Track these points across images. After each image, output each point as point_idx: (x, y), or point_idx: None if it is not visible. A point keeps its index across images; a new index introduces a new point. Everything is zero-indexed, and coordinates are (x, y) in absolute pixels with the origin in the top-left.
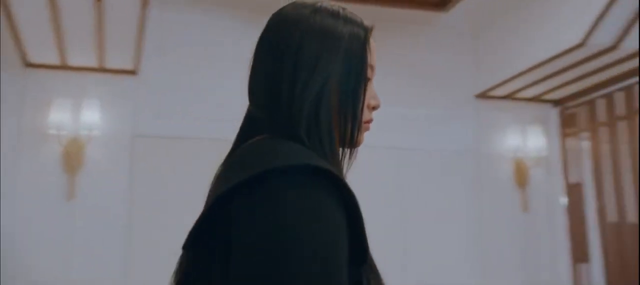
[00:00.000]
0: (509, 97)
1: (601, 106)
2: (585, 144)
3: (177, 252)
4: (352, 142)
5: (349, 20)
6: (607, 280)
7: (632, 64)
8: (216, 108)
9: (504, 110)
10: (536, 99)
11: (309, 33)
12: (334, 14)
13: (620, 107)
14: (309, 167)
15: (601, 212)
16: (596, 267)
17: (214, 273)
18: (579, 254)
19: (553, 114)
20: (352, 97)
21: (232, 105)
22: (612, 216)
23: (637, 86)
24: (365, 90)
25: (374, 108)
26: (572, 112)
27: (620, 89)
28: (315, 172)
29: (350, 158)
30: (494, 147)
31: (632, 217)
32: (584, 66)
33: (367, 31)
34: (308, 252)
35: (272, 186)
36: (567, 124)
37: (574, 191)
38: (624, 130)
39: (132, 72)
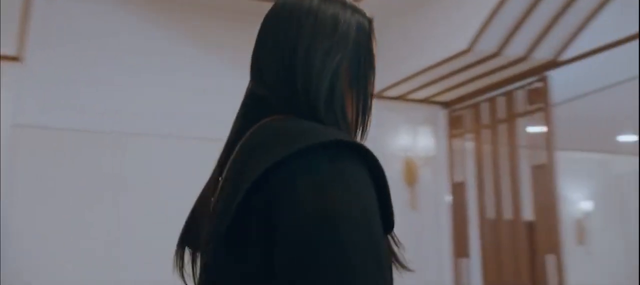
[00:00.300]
0: (401, 98)
1: (485, 109)
2: (469, 145)
3: (58, 248)
4: (363, 127)
5: (355, 10)
6: (484, 274)
7: (513, 70)
8: (104, 100)
9: (396, 110)
10: (427, 101)
11: (320, 22)
12: (342, 4)
13: (502, 111)
14: (341, 142)
15: (481, 209)
16: (475, 262)
17: (253, 254)
18: (461, 250)
19: (441, 115)
20: (363, 84)
21: (121, 97)
22: (490, 213)
23: (518, 92)
24: (373, 78)
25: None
26: (458, 114)
27: (502, 94)
28: (347, 146)
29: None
30: (387, 146)
31: (508, 214)
32: (470, 71)
33: (371, 22)
34: (352, 221)
35: (311, 162)
36: (454, 125)
37: (458, 189)
38: (504, 133)
39: (15, 59)
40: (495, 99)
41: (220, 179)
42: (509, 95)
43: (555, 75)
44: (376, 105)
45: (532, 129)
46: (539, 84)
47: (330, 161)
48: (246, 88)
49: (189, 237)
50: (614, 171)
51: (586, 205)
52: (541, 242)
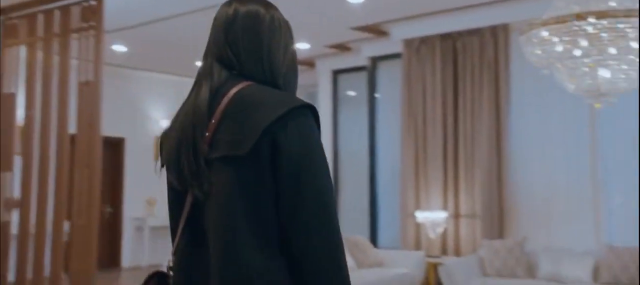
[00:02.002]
0: None
1: (41, 21)
2: (24, 55)
3: None
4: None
5: (280, 11)
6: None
7: None
8: None
9: None
10: None
11: (273, 25)
12: (275, 8)
13: (57, 25)
14: (310, 105)
15: (29, 120)
16: (17, 175)
17: (266, 175)
18: (5, 164)
19: None
20: (294, 65)
21: None
22: (38, 125)
23: (74, 7)
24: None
25: None
26: (13, 23)
27: (58, 7)
28: (308, 107)
29: None
30: None
31: (54, 127)
32: None
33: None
34: (320, 151)
35: (298, 117)
36: (8, 34)
37: (7, 101)
38: (58, 47)
39: None
40: (51, 12)
41: (213, 122)
42: (64, 10)
43: None
44: None
45: (83, 46)
46: (93, 2)
47: (305, 116)
48: (206, 58)
49: (179, 156)
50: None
51: (165, 123)
52: (80, 155)
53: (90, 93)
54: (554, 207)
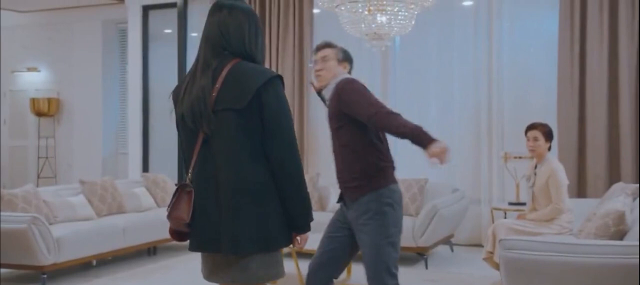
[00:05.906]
0: None
1: None
2: None
3: None
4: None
5: (255, 13)
6: None
7: None
8: None
9: None
10: None
11: (253, 17)
12: (254, 13)
13: None
14: (280, 76)
15: None
16: None
17: (255, 119)
18: None
19: None
20: (263, 47)
21: None
22: None
23: None
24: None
25: None
26: None
27: None
28: (280, 77)
29: None
30: None
31: None
32: None
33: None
34: (287, 104)
35: (274, 83)
36: None
37: None
38: None
39: None
40: None
41: (216, 86)
42: None
43: None
44: None
45: None
46: None
47: (277, 83)
48: (205, 44)
49: (193, 108)
50: None
51: None
52: None
53: None
54: None
